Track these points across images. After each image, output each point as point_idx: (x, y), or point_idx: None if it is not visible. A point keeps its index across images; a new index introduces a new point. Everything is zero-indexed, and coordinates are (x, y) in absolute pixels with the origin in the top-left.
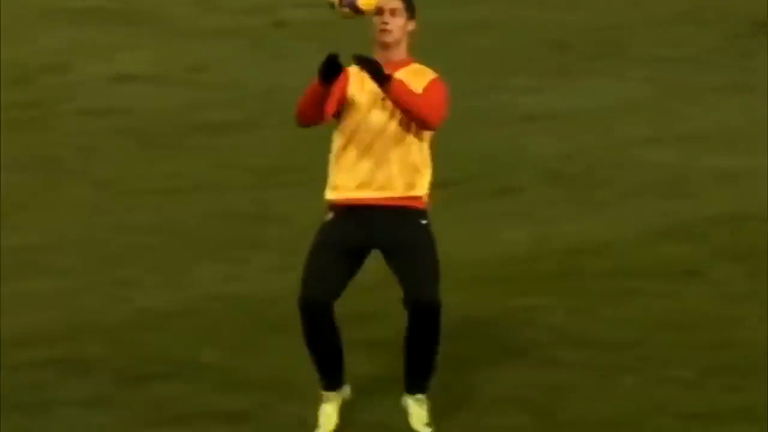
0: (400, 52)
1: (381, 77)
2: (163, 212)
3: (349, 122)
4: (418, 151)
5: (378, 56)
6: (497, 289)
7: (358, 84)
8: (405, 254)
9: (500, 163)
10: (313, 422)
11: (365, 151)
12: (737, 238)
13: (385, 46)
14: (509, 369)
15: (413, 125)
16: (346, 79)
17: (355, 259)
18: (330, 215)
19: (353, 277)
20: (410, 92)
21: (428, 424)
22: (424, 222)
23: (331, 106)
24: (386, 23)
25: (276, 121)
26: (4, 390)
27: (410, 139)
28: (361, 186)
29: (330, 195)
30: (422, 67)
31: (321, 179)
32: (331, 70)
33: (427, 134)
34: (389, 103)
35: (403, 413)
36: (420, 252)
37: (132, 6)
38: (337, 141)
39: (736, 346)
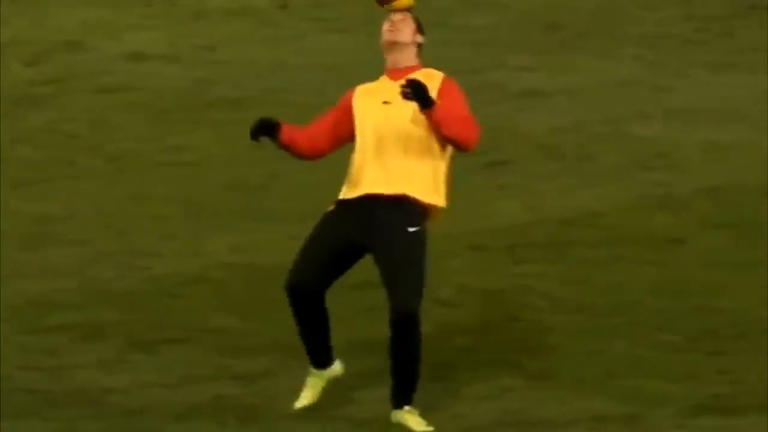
0: (408, 58)
1: (427, 101)
2: (173, 184)
3: (362, 142)
4: (432, 167)
5: (387, 61)
6: (492, 258)
7: (365, 105)
8: (393, 264)
9: (495, 138)
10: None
11: (380, 165)
12: (721, 209)
13: (393, 46)
14: (504, 334)
15: (427, 143)
16: (348, 105)
17: (348, 255)
18: (331, 207)
19: (344, 273)
20: (453, 117)
21: (428, 424)
22: (417, 228)
23: (326, 143)
24: (394, 22)
25: (280, 98)
26: (18, 353)
27: (424, 154)
28: (369, 185)
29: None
30: (430, 70)
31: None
32: (262, 131)
33: (445, 153)
34: (398, 120)
35: (399, 427)
36: (407, 263)
37: None
38: (354, 159)
39: (721, 312)
